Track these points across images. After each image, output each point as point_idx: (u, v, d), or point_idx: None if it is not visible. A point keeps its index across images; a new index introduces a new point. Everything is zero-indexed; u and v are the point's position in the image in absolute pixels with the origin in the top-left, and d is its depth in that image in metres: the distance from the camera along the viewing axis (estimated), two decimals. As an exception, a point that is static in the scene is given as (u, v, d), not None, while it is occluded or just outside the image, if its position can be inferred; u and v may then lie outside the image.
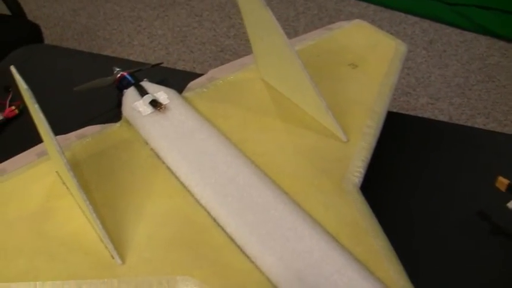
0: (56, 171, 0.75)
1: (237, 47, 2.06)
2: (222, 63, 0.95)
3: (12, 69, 0.66)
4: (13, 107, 0.90)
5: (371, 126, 0.81)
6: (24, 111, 0.91)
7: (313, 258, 0.62)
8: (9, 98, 0.91)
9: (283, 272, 0.62)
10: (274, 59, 0.84)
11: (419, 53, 2.03)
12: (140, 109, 0.81)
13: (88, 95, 0.91)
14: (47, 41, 1.58)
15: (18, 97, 0.91)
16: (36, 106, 0.64)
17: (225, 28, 2.20)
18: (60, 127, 0.80)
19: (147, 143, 0.78)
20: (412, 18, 2.29)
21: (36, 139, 0.79)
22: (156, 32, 2.23)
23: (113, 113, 0.89)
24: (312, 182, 0.73)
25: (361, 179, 0.74)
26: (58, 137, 0.80)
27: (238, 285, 0.63)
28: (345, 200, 0.71)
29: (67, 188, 0.73)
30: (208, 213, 0.69)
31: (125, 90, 0.85)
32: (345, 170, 0.75)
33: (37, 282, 0.63)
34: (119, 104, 0.90)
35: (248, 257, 0.65)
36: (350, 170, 0.75)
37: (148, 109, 0.80)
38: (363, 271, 0.61)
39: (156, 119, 0.79)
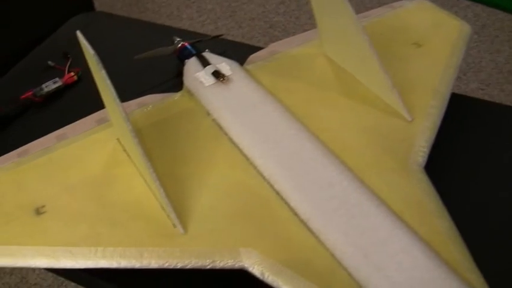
0: (117, 139, 0.75)
1: (287, 24, 2.03)
2: (271, 40, 0.94)
3: (79, 34, 0.66)
4: (72, 73, 0.90)
5: (435, 107, 0.79)
6: (82, 77, 0.91)
7: (378, 236, 0.61)
8: (68, 64, 0.91)
9: (347, 248, 0.61)
10: (339, 35, 0.83)
11: (470, 38, 1.97)
12: (202, 79, 0.80)
13: (146, 64, 0.90)
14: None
15: (77, 63, 0.91)
16: (103, 72, 0.64)
17: (275, 5, 2.18)
18: (119, 95, 0.80)
19: (208, 114, 0.77)
20: (464, 2, 2.23)
21: (95, 105, 0.80)
22: (205, 6, 2.22)
23: (172, 82, 0.89)
24: (376, 160, 0.71)
25: (425, 159, 0.73)
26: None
27: (302, 259, 0.62)
28: (410, 180, 0.69)
29: (128, 155, 0.73)
30: (272, 186, 0.68)
31: (186, 61, 0.85)
32: (409, 149, 0.73)
33: (98, 248, 0.63)
34: (178, 74, 0.89)
35: (312, 232, 0.63)
36: (414, 150, 0.73)
37: (211, 80, 0.80)
38: (427, 251, 0.60)
39: (218, 90, 0.78)
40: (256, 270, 0.61)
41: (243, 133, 0.73)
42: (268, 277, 0.60)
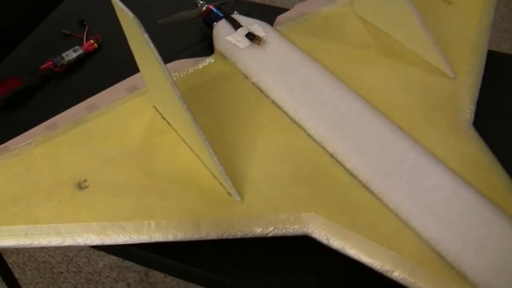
0: (153, 106, 0.72)
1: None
2: (296, 1, 0.90)
3: None
4: (92, 41, 0.85)
5: (474, 64, 0.78)
6: (103, 45, 0.86)
7: (442, 195, 0.60)
8: (86, 32, 0.87)
9: (413, 208, 0.60)
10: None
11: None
12: (236, 42, 0.77)
13: (169, 29, 0.86)
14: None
15: (94, 31, 0.87)
16: (146, 36, 0.60)
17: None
18: None
19: (246, 77, 0.75)
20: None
21: (119, 73, 0.77)
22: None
23: (198, 47, 0.85)
24: (425, 118, 0.70)
25: (472, 116, 0.72)
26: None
27: (366, 222, 0.60)
28: (462, 137, 0.68)
29: (168, 123, 0.70)
30: (324, 148, 0.66)
31: (215, 23, 0.81)
32: (456, 107, 0.72)
33: (151, 221, 0.60)
34: (203, 38, 0.86)
35: (373, 194, 0.62)
36: (461, 107, 0.72)
37: (245, 42, 0.77)
38: (493, 208, 0.59)
39: (254, 53, 0.75)
40: (320, 235, 0.59)
41: (288, 96, 0.71)
42: (333, 242, 0.59)
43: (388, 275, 0.56)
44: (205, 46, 0.82)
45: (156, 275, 1.30)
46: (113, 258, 1.32)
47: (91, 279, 1.29)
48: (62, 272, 1.30)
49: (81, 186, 0.63)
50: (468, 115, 0.71)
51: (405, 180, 0.61)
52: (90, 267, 1.31)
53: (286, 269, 0.62)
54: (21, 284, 1.26)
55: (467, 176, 0.62)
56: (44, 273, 1.30)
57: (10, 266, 1.29)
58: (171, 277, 1.30)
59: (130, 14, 0.60)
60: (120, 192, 0.63)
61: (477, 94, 0.74)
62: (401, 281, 0.56)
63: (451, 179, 0.61)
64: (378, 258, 0.57)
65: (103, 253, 1.33)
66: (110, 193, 0.63)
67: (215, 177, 0.63)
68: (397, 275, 0.56)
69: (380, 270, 0.57)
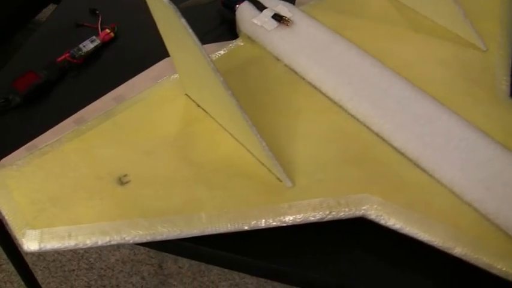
0: (186, 94, 0.69)
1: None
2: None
3: None
4: (107, 30, 0.82)
5: (503, 35, 0.77)
6: (119, 34, 0.83)
7: (494, 167, 0.59)
8: (99, 21, 0.84)
9: (467, 183, 0.59)
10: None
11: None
12: (263, 24, 0.74)
13: (186, 13, 0.83)
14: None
15: (106, 20, 0.84)
16: (183, 20, 0.58)
17: None
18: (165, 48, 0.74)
19: (278, 59, 0.73)
20: None
21: (140, 62, 0.74)
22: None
23: (218, 31, 0.83)
24: (465, 92, 0.69)
25: (509, 88, 0.71)
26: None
27: (422, 200, 0.59)
28: (503, 109, 0.68)
29: (204, 110, 0.67)
30: (369, 128, 0.65)
31: (237, 6, 0.79)
32: (492, 78, 0.71)
33: (201, 213, 0.58)
34: (222, 22, 0.83)
35: (424, 171, 0.61)
36: (497, 79, 0.71)
37: (273, 23, 0.74)
38: None
39: (284, 34, 0.73)
40: (377, 216, 0.58)
41: (324, 76, 0.69)
42: (391, 222, 0.57)
43: (450, 251, 0.55)
44: (226, 30, 0.80)
45: (170, 267, 1.28)
46: (125, 252, 1.30)
47: (104, 275, 1.27)
48: (73, 270, 1.27)
49: (122, 181, 0.61)
50: (504, 86, 0.70)
51: (455, 156, 0.60)
52: (102, 263, 1.29)
53: (339, 252, 0.61)
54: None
55: (513, 148, 0.61)
56: (55, 272, 1.27)
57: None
58: (185, 268, 1.28)
59: (165, 1, 0.57)
60: (165, 185, 0.61)
61: (510, 65, 0.73)
62: (463, 257, 0.55)
63: (501, 152, 0.60)
64: (438, 235, 0.56)
65: (114, 248, 1.31)
66: (154, 187, 0.61)
67: (262, 163, 0.62)
68: (459, 251, 0.55)
69: (441, 248, 0.56)
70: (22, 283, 1.20)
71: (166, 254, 1.30)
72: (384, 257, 0.60)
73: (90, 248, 0.60)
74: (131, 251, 1.30)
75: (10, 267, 1.28)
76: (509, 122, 0.66)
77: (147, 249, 1.30)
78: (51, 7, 1.69)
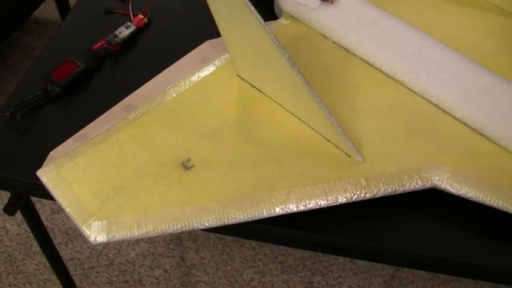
0: (237, 76, 0.68)
1: None
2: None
3: None
4: (141, 16, 0.80)
5: None
6: (152, 19, 0.81)
7: None
8: (130, 7, 0.81)
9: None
10: None
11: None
12: (306, 2, 0.73)
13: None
14: None
15: (137, 5, 0.82)
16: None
17: None
18: (197, 34, 0.73)
19: (325, 37, 0.72)
20: None
21: (175, 46, 0.73)
22: None
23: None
24: (517, 61, 0.69)
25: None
26: (215, 40, 0.73)
27: (492, 167, 0.59)
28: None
29: (258, 91, 0.66)
30: (428, 100, 0.64)
31: (275, -15, 0.77)
32: (541, 46, 0.71)
33: (274, 193, 0.57)
34: (257, 2, 0.82)
35: (489, 139, 0.61)
36: (546, 47, 0.71)
37: (316, 1, 0.73)
38: None
39: (329, 11, 0.72)
40: (450, 185, 0.58)
41: (377, 51, 0.68)
42: (464, 191, 0.57)
43: None
44: (262, 11, 0.78)
45: (192, 258, 1.27)
46: (144, 245, 1.28)
47: (125, 270, 1.25)
48: (93, 267, 1.25)
49: (186, 166, 0.59)
50: None
51: (522, 123, 0.60)
52: (122, 258, 1.26)
53: (408, 223, 0.61)
54: (51, 284, 1.21)
55: None
56: (75, 271, 1.24)
57: (37, 267, 1.23)
58: (208, 258, 1.27)
59: None
60: (233, 167, 0.59)
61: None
62: None
63: None
64: (510, 200, 0.56)
65: (133, 242, 1.29)
66: (221, 169, 0.59)
67: (328, 140, 0.61)
68: None
69: None
70: (41, 284, 1.17)
71: (187, 246, 1.29)
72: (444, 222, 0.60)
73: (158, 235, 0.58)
74: (150, 244, 1.28)
75: (27, 268, 1.25)
76: None
77: (166, 241, 1.29)
78: (49, 4, 1.66)
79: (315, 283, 1.22)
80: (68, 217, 0.58)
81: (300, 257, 1.26)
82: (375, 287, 1.21)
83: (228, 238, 1.29)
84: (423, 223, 0.61)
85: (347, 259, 1.25)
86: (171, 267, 1.25)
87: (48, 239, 0.92)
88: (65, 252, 1.26)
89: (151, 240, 1.29)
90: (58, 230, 1.31)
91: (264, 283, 1.22)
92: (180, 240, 1.29)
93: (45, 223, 1.29)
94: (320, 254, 1.26)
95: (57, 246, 1.09)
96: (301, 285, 1.22)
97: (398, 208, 0.61)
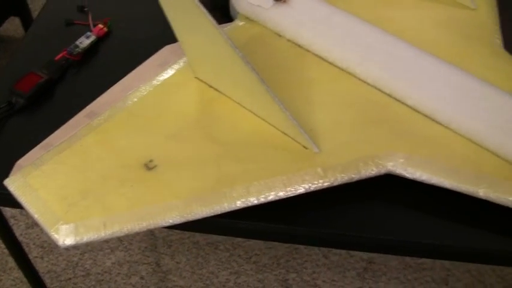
0: (196, 77, 0.70)
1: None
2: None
3: None
4: (101, 25, 0.82)
5: None
6: (113, 28, 0.83)
7: (507, 113, 0.62)
8: (90, 17, 0.83)
9: (484, 130, 0.62)
10: None
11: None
12: (260, 3, 0.76)
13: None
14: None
15: (97, 15, 0.84)
16: (197, 1, 0.58)
17: None
18: (156, 39, 0.75)
19: (280, 35, 0.74)
20: None
21: (136, 53, 0.74)
22: None
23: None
24: (464, 48, 0.73)
25: (501, 40, 0.74)
26: (174, 44, 0.75)
27: (444, 151, 0.62)
28: (501, 60, 0.72)
29: (217, 90, 0.68)
30: (380, 90, 0.67)
31: (230, -11, 0.80)
32: (486, 34, 0.75)
33: (234, 187, 0.59)
34: (214, 6, 0.84)
35: (441, 124, 0.63)
36: (490, 34, 0.75)
37: (269, 2, 0.76)
38: None
39: (282, 10, 0.75)
40: (404, 170, 0.60)
41: (331, 46, 0.71)
42: (418, 174, 0.60)
43: (475, 195, 0.58)
44: (219, 16, 0.80)
45: (168, 263, 1.28)
46: (120, 254, 1.29)
47: (102, 280, 1.25)
48: (70, 279, 1.26)
49: (148, 167, 0.61)
50: (498, 40, 0.74)
51: (469, 106, 0.63)
52: (98, 268, 1.27)
53: (366, 209, 0.63)
54: (29, 298, 1.21)
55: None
56: (51, 283, 1.24)
57: (13, 282, 1.23)
58: (183, 262, 1.28)
59: None
60: (194, 165, 0.62)
61: (499, 20, 0.77)
62: (488, 198, 0.58)
63: (509, 98, 0.63)
64: (462, 181, 0.59)
65: (108, 251, 1.29)
66: (183, 168, 0.61)
67: (285, 134, 0.63)
68: (483, 193, 0.58)
69: (466, 192, 0.58)
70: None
71: (162, 251, 1.30)
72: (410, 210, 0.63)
73: (114, 237, 0.60)
74: (126, 252, 1.29)
75: (4, 284, 1.25)
76: (508, 70, 0.69)
77: (141, 248, 1.30)
78: (13, 22, 1.66)
79: (290, 280, 1.24)
80: (37, 223, 0.59)
81: (274, 256, 1.28)
82: (349, 280, 1.24)
83: (202, 242, 1.30)
84: (384, 208, 0.63)
85: (320, 255, 1.28)
86: (147, 273, 1.26)
87: (23, 253, 0.92)
88: (41, 266, 1.26)
89: (126, 248, 1.30)
90: (33, 244, 1.31)
91: (240, 283, 1.24)
92: (154, 247, 1.30)
93: (20, 238, 1.30)
94: (294, 251, 1.28)
95: (33, 260, 1.10)
96: (276, 283, 1.24)
97: (359, 195, 0.63)
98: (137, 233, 0.60)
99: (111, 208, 0.58)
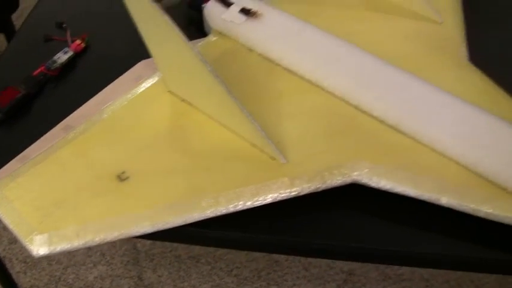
0: (169, 91, 0.72)
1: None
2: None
3: None
4: (78, 41, 0.84)
5: (455, 7, 0.84)
6: (90, 43, 0.85)
7: (470, 124, 0.65)
8: (68, 34, 0.85)
9: (446, 140, 0.64)
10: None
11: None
12: (232, 19, 0.78)
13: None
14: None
15: (76, 31, 0.86)
16: (166, 17, 0.61)
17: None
18: (135, 55, 0.77)
19: (251, 50, 0.76)
20: None
21: (113, 68, 0.76)
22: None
23: (187, 32, 0.85)
24: (430, 60, 0.75)
25: (467, 53, 0.77)
26: (150, 59, 0.77)
27: (408, 160, 0.64)
28: (466, 71, 0.74)
29: (189, 104, 0.70)
30: (348, 102, 0.69)
31: (203, 5, 0.82)
32: (452, 46, 0.78)
33: (204, 198, 0.61)
34: (189, 23, 0.87)
35: (405, 134, 0.66)
36: (456, 46, 0.77)
37: (242, 18, 0.78)
38: None
39: (254, 25, 0.77)
40: (369, 179, 0.62)
41: (300, 60, 0.73)
42: (382, 183, 0.62)
43: (437, 202, 0.60)
44: (194, 31, 0.83)
45: (150, 277, 1.29)
46: (102, 268, 1.30)
47: (85, 294, 1.26)
48: (52, 293, 1.27)
49: (121, 178, 0.63)
50: (463, 53, 0.76)
51: (433, 117, 0.65)
52: (81, 282, 1.28)
53: (336, 218, 0.64)
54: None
55: (484, 105, 0.67)
56: (34, 299, 1.25)
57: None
58: (165, 276, 1.29)
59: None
60: (165, 177, 0.63)
61: (465, 33, 0.79)
62: (450, 206, 0.60)
63: (472, 110, 0.66)
64: (425, 189, 0.61)
65: (91, 265, 1.30)
66: (154, 179, 0.63)
67: (254, 145, 0.65)
68: (445, 200, 0.60)
69: (429, 200, 0.60)
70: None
71: (144, 265, 1.31)
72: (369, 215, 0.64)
73: (97, 245, 0.61)
74: (108, 266, 1.30)
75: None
76: (473, 82, 0.72)
77: (124, 262, 1.31)
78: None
79: (271, 293, 1.26)
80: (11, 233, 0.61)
81: (255, 269, 1.29)
82: (329, 292, 1.25)
83: (184, 255, 1.31)
84: (352, 217, 0.64)
85: (301, 267, 1.29)
86: (130, 287, 1.27)
87: (4, 268, 0.93)
88: (24, 281, 1.27)
89: (108, 262, 1.31)
90: (16, 259, 1.32)
91: (221, 296, 1.26)
92: (137, 261, 1.31)
93: (3, 253, 1.31)
94: (274, 264, 1.30)
95: (16, 275, 1.11)
96: (257, 296, 1.25)
97: (327, 204, 0.64)
98: (113, 245, 0.62)
99: (84, 218, 0.60)
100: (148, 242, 1.34)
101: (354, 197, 0.64)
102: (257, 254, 1.31)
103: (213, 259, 1.31)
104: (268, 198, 0.61)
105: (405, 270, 1.28)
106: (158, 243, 1.35)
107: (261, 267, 1.29)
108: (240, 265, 1.30)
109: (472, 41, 0.79)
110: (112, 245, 1.34)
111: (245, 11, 0.78)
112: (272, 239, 0.63)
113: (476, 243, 0.61)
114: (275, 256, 1.31)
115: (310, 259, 1.30)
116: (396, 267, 1.28)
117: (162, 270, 1.29)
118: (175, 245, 1.33)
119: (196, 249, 1.32)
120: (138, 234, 0.60)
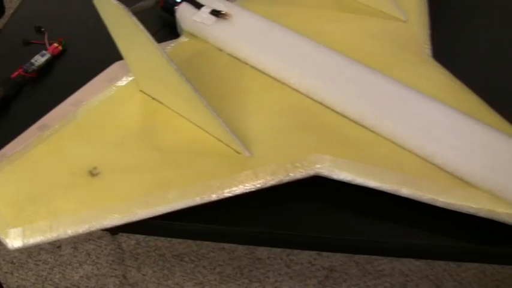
0: (140, 90, 0.75)
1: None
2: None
3: None
4: (56, 44, 0.87)
5: (420, 6, 0.87)
6: (67, 46, 0.88)
7: (429, 117, 0.67)
8: (46, 37, 0.88)
9: (405, 133, 0.67)
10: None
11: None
12: (203, 20, 0.81)
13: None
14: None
15: (54, 35, 0.88)
16: (135, 19, 0.64)
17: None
18: (110, 56, 0.79)
19: (221, 50, 0.79)
20: None
21: (91, 70, 0.79)
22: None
23: (161, 34, 0.88)
24: (395, 57, 0.78)
25: (430, 50, 0.80)
26: (123, 61, 0.79)
27: (369, 153, 0.67)
28: (431, 68, 0.77)
29: (160, 102, 0.73)
30: (312, 98, 0.72)
31: (176, 8, 0.85)
32: (417, 44, 0.81)
33: (171, 191, 0.63)
34: (163, 25, 0.89)
35: (366, 128, 0.68)
36: (420, 44, 0.80)
37: (212, 19, 0.81)
38: (473, 119, 0.66)
39: (224, 26, 0.80)
40: (330, 172, 0.64)
41: (267, 58, 0.76)
42: (343, 175, 0.64)
43: (398, 193, 0.63)
44: (168, 33, 0.86)
45: (134, 276, 1.31)
46: (88, 268, 1.32)
47: (71, 293, 1.29)
48: (39, 293, 1.29)
49: (92, 173, 0.65)
50: (427, 50, 0.79)
51: (394, 112, 0.68)
52: (67, 282, 1.30)
53: (298, 210, 0.67)
54: (-1, 314, 1.24)
55: (445, 99, 0.70)
56: (20, 299, 1.28)
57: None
58: (149, 274, 1.32)
59: (115, 2, 0.63)
60: (135, 171, 0.66)
61: (429, 30, 0.82)
62: (410, 196, 0.62)
63: (433, 104, 0.68)
64: (385, 181, 0.63)
65: (76, 265, 1.33)
66: (125, 174, 0.66)
67: (220, 140, 0.67)
68: (405, 191, 0.62)
69: (390, 191, 0.63)
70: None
71: (129, 264, 1.34)
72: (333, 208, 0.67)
73: (69, 237, 0.64)
74: (94, 266, 1.33)
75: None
76: (435, 77, 0.75)
77: (109, 262, 1.33)
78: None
79: (253, 290, 1.28)
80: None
81: (238, 266, 1.32)
82: (311, 288, 1.28)
83: (168, 254, 1.34)
84: (318, 209, 0.67)
85: (282, 264, 1.31)
86: (115, 286, 1.29)
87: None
88: (11, 281, 1.29)
89: (94, 262, 1.33)
90: (3, 260, 1.34)
91: (205, 294, 1.28)
92: (122, 260, 1.33)
93: (-10, 255, 1.33)
94: (257, 261, 1.32)
95: (3, 276, 1.13)
96: (240, 293, 1.28)
97: (293, 196, 0.67)
98: (99, 245, 0.65)
99: (57, 212, 0.62)
100: (133, 241, 1.37)
101: (322, 190, 0.67)
102: (240, 252, 1.33)
103: (197, 257, 1.33)
104: (234, 190, 0.63)
105: (385, 266, 1.30)
106: (143, 242, 1.37)
107: (243, 264, 1.32)
108: (222, 263, 1.32)
109: (435, 38, 0.81)
110: (97, 245, 1.37)
111: (215, 13, 0.81)
112: (237, 230, 0.66)
113: (444, 232, 0.64)
114: (257, 254, 1.33)
115: (292, 256, 1.32)
116: (376, 263, 1.31)
117: (146, 269, 1.32)
118: (159, 244, 1.36)
119: (180, 248, 1.34)
120: (108, 226, 0.62)
